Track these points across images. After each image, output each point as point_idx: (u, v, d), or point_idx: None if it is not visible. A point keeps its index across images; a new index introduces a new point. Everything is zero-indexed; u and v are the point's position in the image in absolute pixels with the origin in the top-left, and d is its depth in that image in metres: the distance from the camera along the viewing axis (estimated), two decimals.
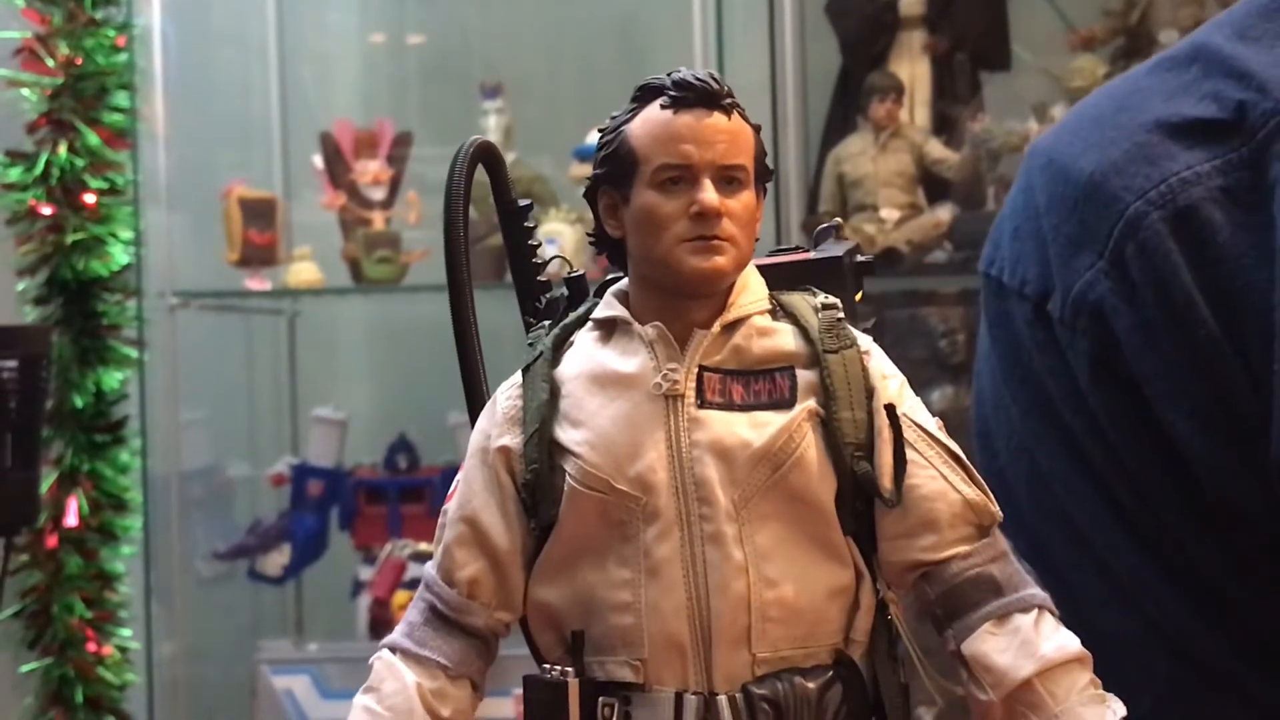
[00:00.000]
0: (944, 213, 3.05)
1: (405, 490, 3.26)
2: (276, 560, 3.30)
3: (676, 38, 3.28)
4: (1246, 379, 0.89)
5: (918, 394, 0.74)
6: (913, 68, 3.17)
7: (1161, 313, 0.93)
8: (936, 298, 3.02)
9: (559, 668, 0.72)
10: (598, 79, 3.53)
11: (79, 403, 2.87)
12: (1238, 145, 0.93)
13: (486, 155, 0.82)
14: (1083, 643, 0.70)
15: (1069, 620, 0.71)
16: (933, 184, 3.09)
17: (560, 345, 0.75)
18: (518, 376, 0.75)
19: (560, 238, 3.05)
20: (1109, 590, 0.95)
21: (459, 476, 0.76)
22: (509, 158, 3.32)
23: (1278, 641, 0.90)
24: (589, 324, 0.75)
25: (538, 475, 0.73)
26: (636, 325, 0.73)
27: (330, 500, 3.31)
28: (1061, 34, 3.21)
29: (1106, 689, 0.69)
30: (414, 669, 0.73)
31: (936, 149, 3.08)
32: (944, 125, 3.16)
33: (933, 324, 2.98)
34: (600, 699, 0.71)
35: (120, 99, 2.95)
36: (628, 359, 0.72)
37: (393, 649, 0.74)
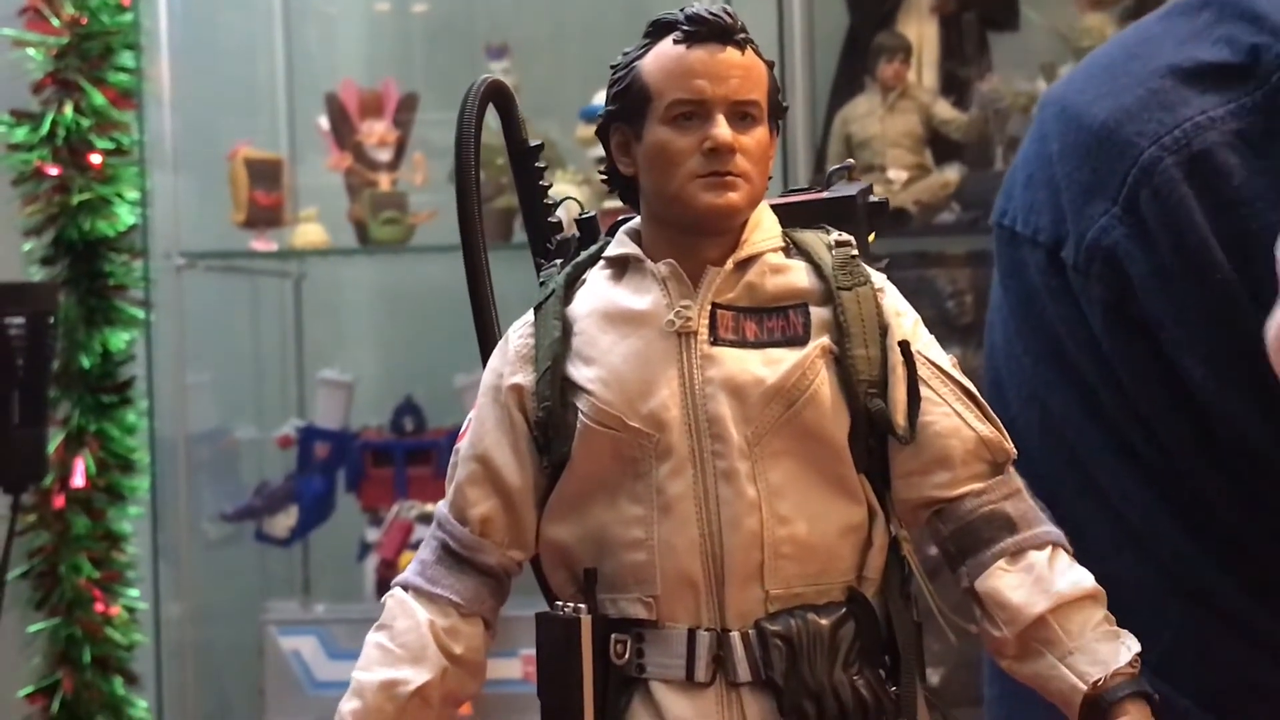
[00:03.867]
0: (952, 173, 3.04)
1: (412, 452, 3.26)
2: (283, 522, 3.30)
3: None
4: (1261, 322, 0.89)
5: (931, 335, 0.74)
6: (920, 28, 3.15)
7: (1176, 258, 0.92)
8: (944, 259, 3.02)
9: (572, 605, 0.71)
10: (604, 40, 3.51)
11: (86, 363, 2.87)
12: (1252, 89, 0.92)
13: (497, 94, 0.81)
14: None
15: (1082, 565, 0.71)
16: (940, 144, 3.08)
17: (572, 283, 0.75)
18: (530, 315, 0.75)
19: (568, 198, 3.04)
20: (1122, 536, 0.94)
21: (471, 415, 0.76)
22: None
23: None
24: (601, 262, 0.75)
25: (550, 413, 0.72)
26: (649, 262, 0.72)
27: (337, 462, 3.31)
28: None
29: None
30: (426, 606, 0.73)
31: (944, 109, 3.07)
32: (952, 85, 3.15)
33: (940, 285, 2.97)
34: (613, 635, 0.71)
35: (126, 59, 2.94)
36: (640, 296, 0.72)
37: (405, 587, 0.74)
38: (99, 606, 2.88)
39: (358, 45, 3.79)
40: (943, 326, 2.93)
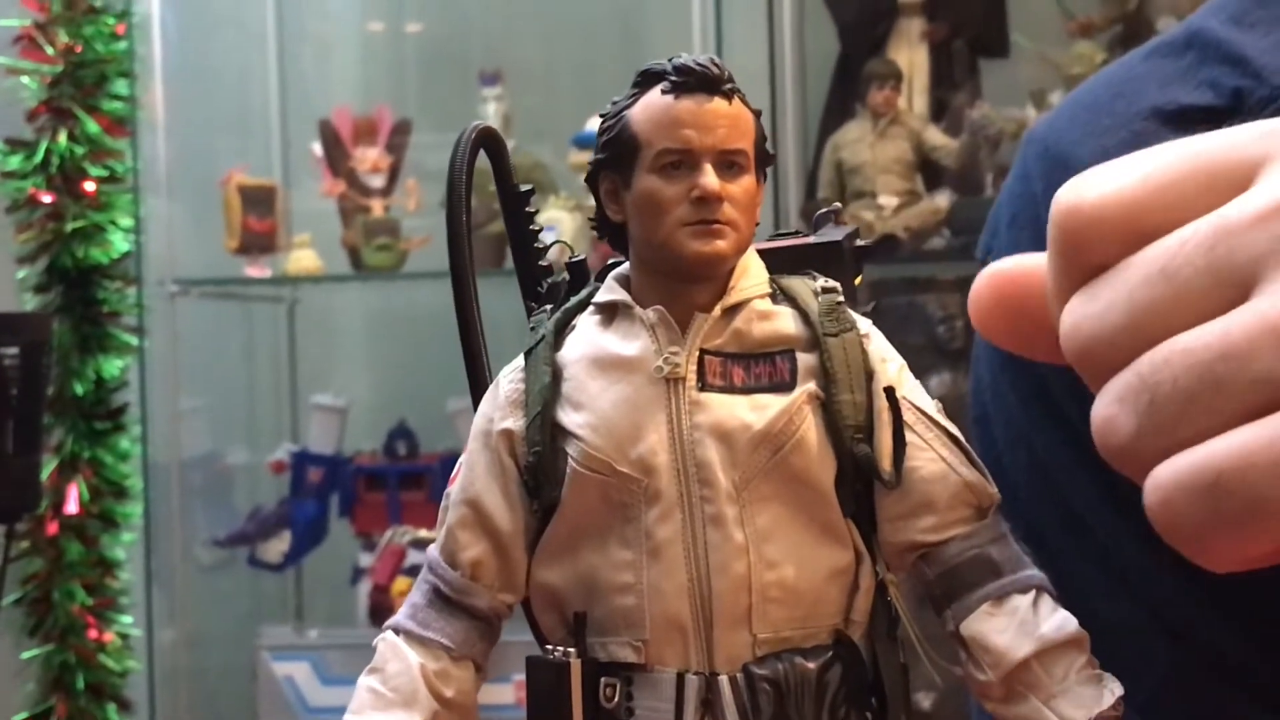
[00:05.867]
0: (942, 199, 3.06)
1: (405, 477, 3.27)
2: (276, 547, 3.31)
3: (675, 24, 3.29)
4: None
5: (916, 380, 0.75)
6: (911, 54, 3.17)
7: None
8: (935, 284, 3.03)
9: (561, 648, 0.72)
10: (597, 66, 3.53)
11: (79, 390, 2.88)
12: None
13: (488, 140, 0.82)
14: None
15: (1068, 608, 0.71)
16: (931, 171, 3.09)
17: (562, 329, 0.75)
18: (520, 360, 0.75)
19: (559, 224, 3.05)
20: (1108, 578, 0.94)
21: (462, 459, 0.76)
22: (508, 145, 3.33)
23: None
24: (590, 308, 0.75)
25: (540, 458, 0.73)
26: (638, 309, 0.73)
27: (330, 487, 3.32)
28: (1060, 21, 3.21)
29: None
30: (417, 650, 0.74)
31: (935, 136, 3.09)
32: (942, 112, 3.16)
33: (931, 310, 2.99)
34: (603, 679, 0.71)
35: (120, 86, 2.96)
36: (629, 342, 0.73)
37: (396, 630, 0.75)
38: (92, 633, 2.89)
39: (351, 71, 3.81)
40: (933, 352, 2.94)
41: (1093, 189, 0.61)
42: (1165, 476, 0.56)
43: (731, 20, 3.12)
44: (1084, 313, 0.61)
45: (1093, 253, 0.60)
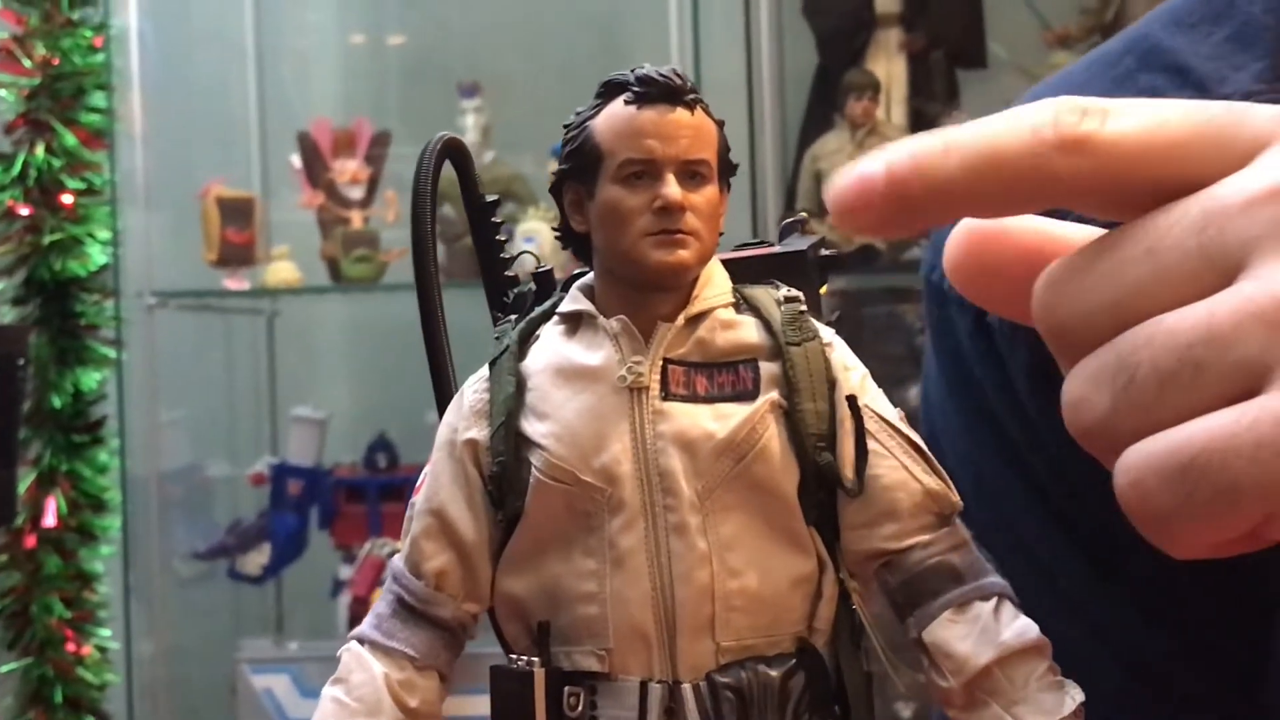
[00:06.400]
0: None
1: (385, 489, 3.27)
2: (256, 560, 3.31)
3: (654, 36, 3.29)
4: None
5: (896, 391, 0.75)
6: (889, 66, 3.18)
7: None
8: (914, 294, 3.04)
9: (525, 658, 0.72)
10: (576, 78, 3.53)
11: (57, 403, 2.88)
12: None
13: (454, 151, 0.82)
14: None
15: None
16: None
17: (526, 339, 0.76)
18: (485, 370, 0.75)
19: (539, 236, 3.06)
20: (1055, 600, 0.92)
21: (426, 470, 0.76)
22: (488, 156, 3.34)
23: (1229, 654, 0.88)
24: (555, 318, 0.76)
25: (504, 467, 0.73)
26: (601, 319, 0.73)
27: (310, 499, 3.31)
28: (1038, 32, 3.23)
29: None
30: (382, 660, 0.74)
31: None
32: (920, 123, 3.17)
33: (910, 320, 2.99)
34: (566, 688, 0.71)
35: (97, 99, 2.96)
36: (593, 352, 0.73)
37: (361, 640, 0.75)
38: (71, 646, 2.88)
39: (330, 84, 3.81)
40: (913, 362, 2.95)
41: (1113, 122, 0.59)
42: (1137, 458, 0.56)
43: (709, 32, 3.13)
44: (1063, 287, 0.60)
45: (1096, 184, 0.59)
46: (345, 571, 3.22)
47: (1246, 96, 0.81)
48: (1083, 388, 0.58)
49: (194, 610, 3.40)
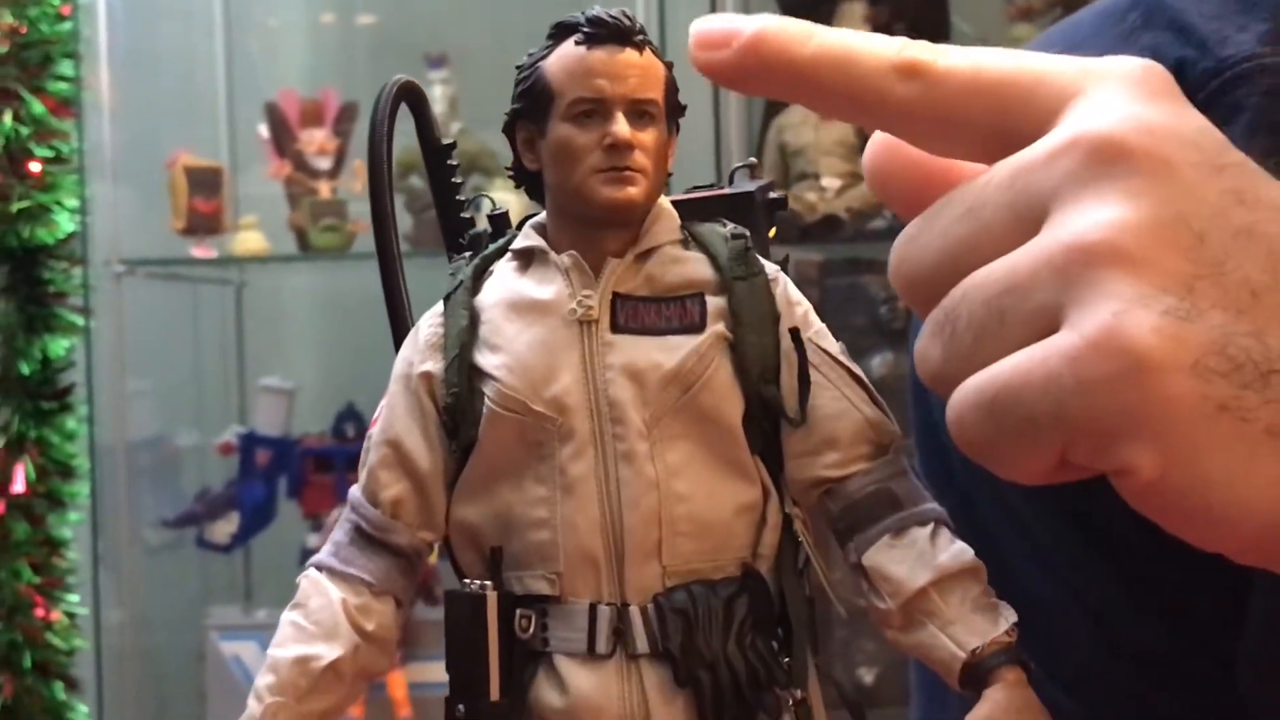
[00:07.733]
0: None
1: (353, 459, 3.24)
2: (224, 528, 3.32)
3: (620, 7, 3.30)
4: None
5: (860, 361, 0.77)
6: None
7: None
8: (877, 265, 3.06)
9: (478, 582, 0.74)
10: None
11: (25, 370, 2.88)
12: None
13: (409, 94, 0.84)
14: (1012, 606, 0.72)
15: (999, 584, 0.73)
16: None
17: (480, 275, 0.78)
18: (440, 305, 0.77)
19: (507, 206, 3.06)
20: (1032, 556, 0.94)
21: (383, 403, 0.78)
22: (455, 128, 3.35)
23: (1202, 618, 0.89)
24: (508, 254, 0.78)
25: (458, 399, 0.75)
26: (553, 254, 0.75)
27: (278, 469, 3.33)
28: (1000, 5, 3.25)
29: (1033, 654, 0.71)
30: (339, 585, 0.76)
31: None
32: None
33: (873, 291, 3.01)
34: (518, 611, 0.74)
35: (65, 68, 2.96)
36: (544, 286, 0.75)
37: (319, 567, 0.77)
38: (39, 612, 2.89)
39: (298, 55, 3.81)
40: (876, 332, 2.97)
41: (947, 58, 0.65)
42: (957, 398, 0.61)
43: (676, 4, 3.14)
44: (908, 246, 0.66)
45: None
46: (313, 540, 3.23)
47: (1250, 59, 0.83)
48: (923, 341, 0.64)
49: (163, 577, 3.41)
